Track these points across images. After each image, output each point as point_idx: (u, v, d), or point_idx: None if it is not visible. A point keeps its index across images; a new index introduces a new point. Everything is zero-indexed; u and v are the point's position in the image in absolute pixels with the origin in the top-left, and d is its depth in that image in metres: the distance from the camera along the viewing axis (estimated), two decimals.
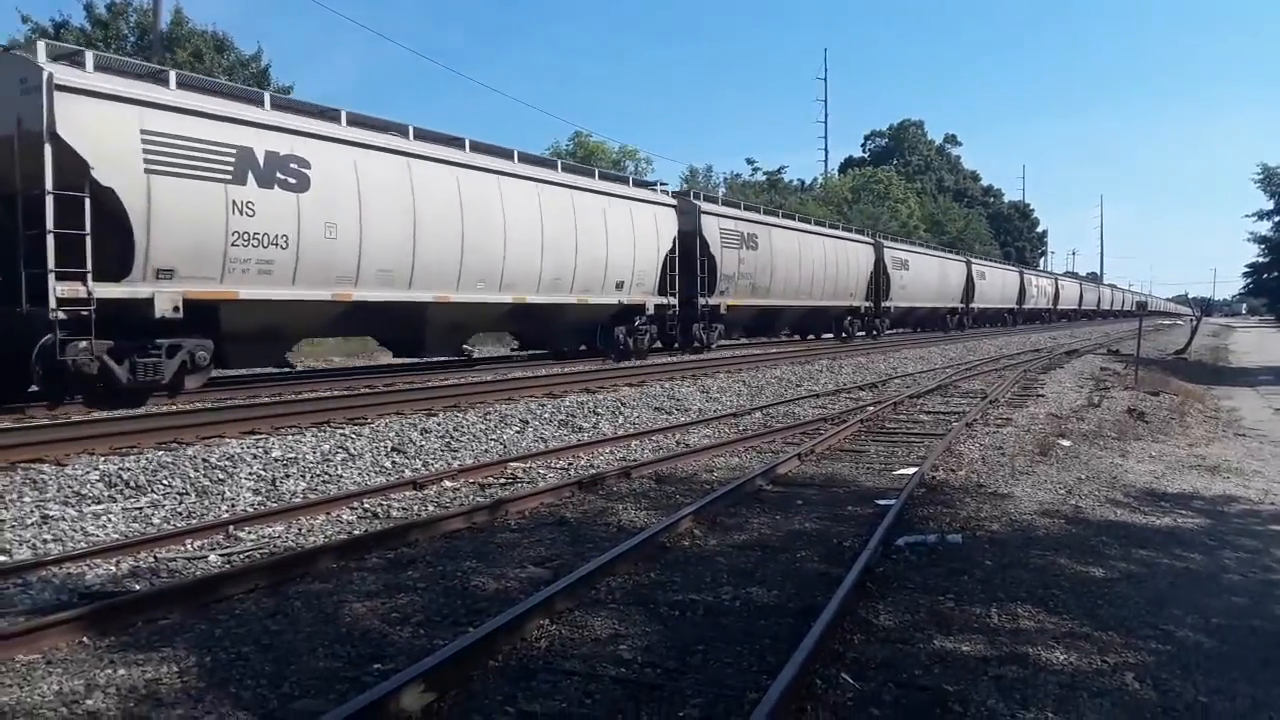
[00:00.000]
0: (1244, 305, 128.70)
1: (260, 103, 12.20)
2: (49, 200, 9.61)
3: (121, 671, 3.91)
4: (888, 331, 35.22)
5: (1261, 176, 36.43)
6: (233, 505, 7.02)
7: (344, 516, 6.82)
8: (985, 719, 3.64)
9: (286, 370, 14.64)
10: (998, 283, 50.27)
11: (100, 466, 7.44)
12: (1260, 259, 40.30)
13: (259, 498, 7.28)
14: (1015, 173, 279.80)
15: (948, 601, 4.99)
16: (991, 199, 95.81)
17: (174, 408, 10.79)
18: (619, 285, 18.95)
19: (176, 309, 10.70)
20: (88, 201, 9.88)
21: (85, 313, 9.90)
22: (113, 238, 10.20)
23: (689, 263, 21.54)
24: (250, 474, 7.76)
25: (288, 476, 7.83)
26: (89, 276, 9.92)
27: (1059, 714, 3.69)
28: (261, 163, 11.63)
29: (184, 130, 10.78)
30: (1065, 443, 10.77)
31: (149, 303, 10.51)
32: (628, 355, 19.56)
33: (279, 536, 6.23)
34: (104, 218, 10.08)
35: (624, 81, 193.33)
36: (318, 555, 5.52)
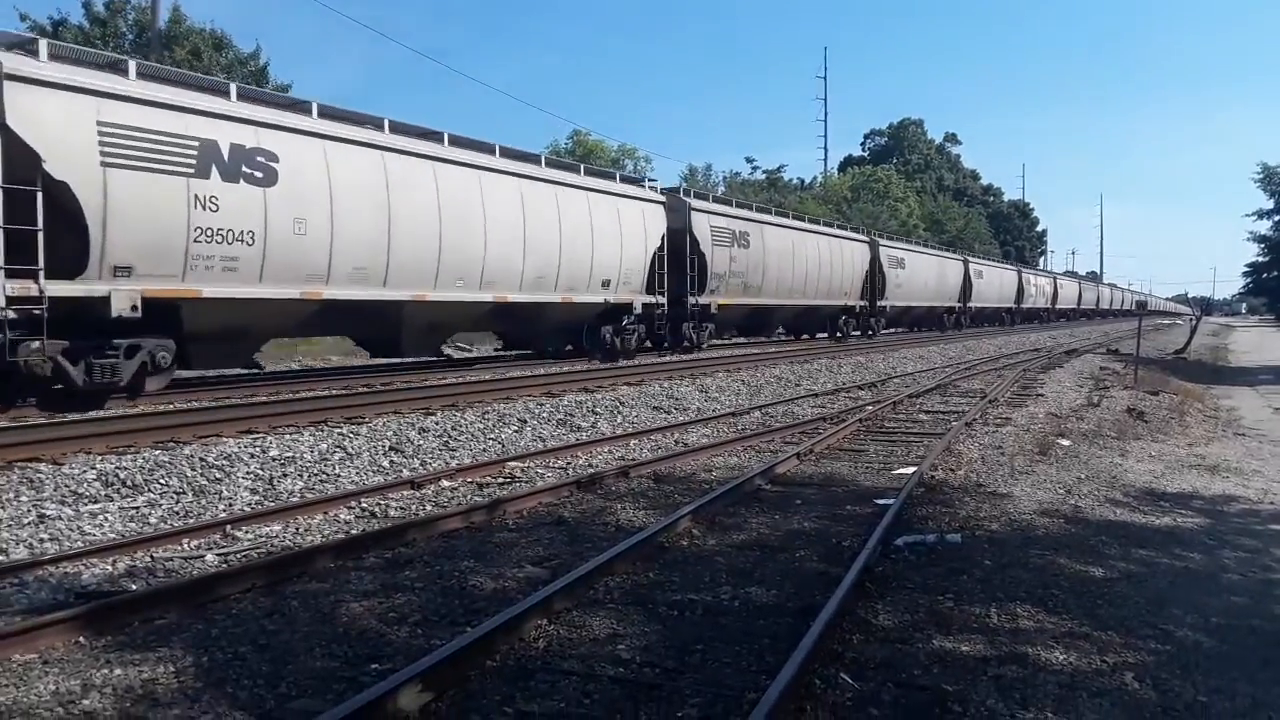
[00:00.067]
0: (1244, 305, 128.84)
1: (226, 94, 11.73)
2: None
3: (118, 671, 3.90)
4: (883, 331, 34.93)
5: (1261, 176, 36.52)
6: (230, 505, 7.00)
7: (341, 516, 6.81)
8: (985, 719, 3.63)
9: (286, 370, 14.52)
10: (995, 282, 50.16)
11: (97, 465, 7.42)
12: (1260, 258, 40.38)
13: (256, 497, 7.26)
14: (1015, 172, 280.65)
15: (947, 601, 4.98)
16: (991, 198, 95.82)
17: (172, 407, 10.77)
18: (605, 284, 18.59)
19: (135, 308, 10.28)
20: (40, 196, 9.46)
21: (38, 312, 9.48)
22: (67, 233, 9.78)
23: (678, 261, 21.06)
24: (248, 473, 7.74)
25: (285, 476, 7.81)
26: (41, 274, 9.49)
27: (1058, 714, 3.68)
28: (226, 156, 11.18)
29: (143, 122, 10.34)
30: (1065, 442, 10.77)
31: (105, 301, 10.07)
32: (615, 356, 19.13)
33: (276, 536, 6.21)
34: (57, 213, 9.65)
35: (623, 80, 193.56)
36: (315, 555, 5.51)
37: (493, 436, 10.12)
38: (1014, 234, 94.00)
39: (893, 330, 37.55)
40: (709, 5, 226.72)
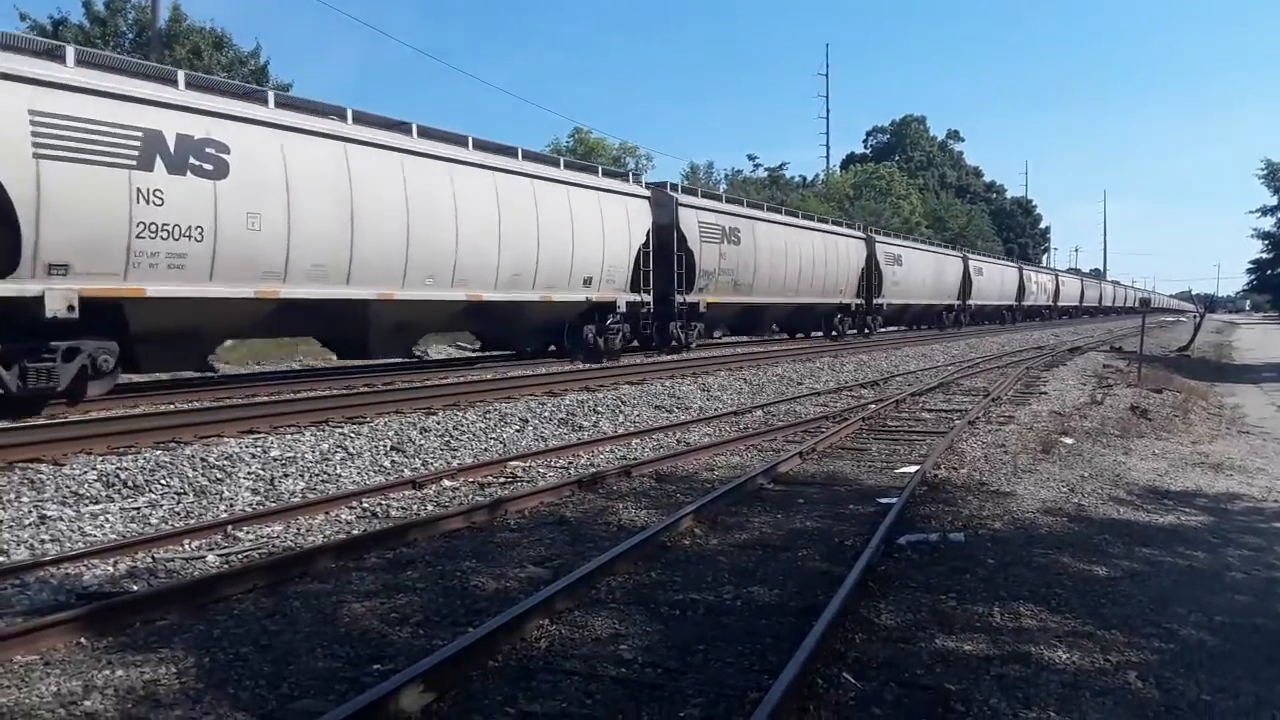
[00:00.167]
0: (1248, 302, 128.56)
1: (174, 82, 11.03)
2: None
3: (119, 672, 3.90)
4: (881, 330, 34.50)
5: (1266, 172, 36.44)
6: (231, 505, 7.00)
7: (343, 516, 6.80)
8: (988, 718, 3.61)
9: (287, 370, 14.44)
10: (996, 279, 49.87)
11: (98, 466, 7.43)
12: (1264, 255, 40.32)
13: (257, 497, 7.25)
14: (1018, 169, 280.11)
15: (950, 600, 4.97)
16: (994, 195, 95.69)
17: (173, 407, 10.77)
18: (587, 281, 17.99)
19: (72, 308, 9.66)
20: None
21: None
22: None
23: (665, 258, 20.38)
24: (249, 474, 7.74)
25: (286, 476, 7.81)
26: None
27: (1062, 713, 3.66)
28: (172, 147, 10.56)
29: (81, 111, 9.72)
30: (1068, 440, 10.75)
31: (39, 301, 9.43)
32: (598, 356, 18.47)
33: (277, 536, 6.20)
34: None
35: (625, 78, 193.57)
36: (316, 555, 5.50)
37: (494, 436, 10.12)
38: (1017, 231, 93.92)
39: (890, 329, 37.11)
40: (710, 3, 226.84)
